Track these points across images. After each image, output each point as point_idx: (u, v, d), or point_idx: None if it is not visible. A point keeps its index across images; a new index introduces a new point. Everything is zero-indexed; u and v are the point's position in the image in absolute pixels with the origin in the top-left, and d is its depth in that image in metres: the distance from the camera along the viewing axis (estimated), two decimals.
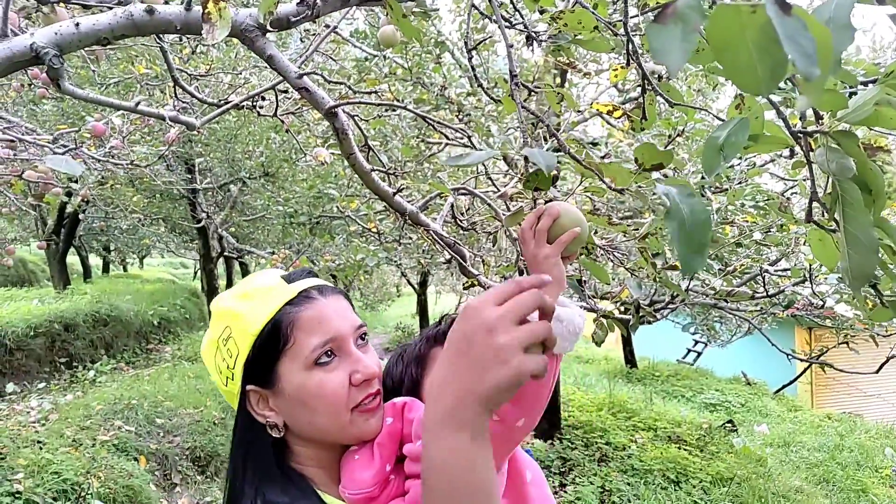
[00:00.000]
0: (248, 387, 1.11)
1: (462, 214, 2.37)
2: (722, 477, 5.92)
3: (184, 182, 8.95)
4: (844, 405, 11.41)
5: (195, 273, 26.80)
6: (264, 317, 1.09)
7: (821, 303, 3.78)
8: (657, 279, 1.98)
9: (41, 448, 4.69)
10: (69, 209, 11.35)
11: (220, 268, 16.61)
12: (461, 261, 1.92)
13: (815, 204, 0.96)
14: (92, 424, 5.72)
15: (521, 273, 2.34)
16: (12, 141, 4.09)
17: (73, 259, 18.16)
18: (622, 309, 2.87)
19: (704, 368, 13.03)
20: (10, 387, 6.74)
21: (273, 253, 8.30)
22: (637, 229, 1.85)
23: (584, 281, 2.55)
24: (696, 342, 13.45)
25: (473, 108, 3.36)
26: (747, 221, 3.85)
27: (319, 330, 1.11)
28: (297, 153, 7.87)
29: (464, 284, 2.11)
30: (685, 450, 6.54)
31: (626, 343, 12.59)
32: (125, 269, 25.49)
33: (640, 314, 2.49)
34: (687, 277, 5.38)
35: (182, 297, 12.65)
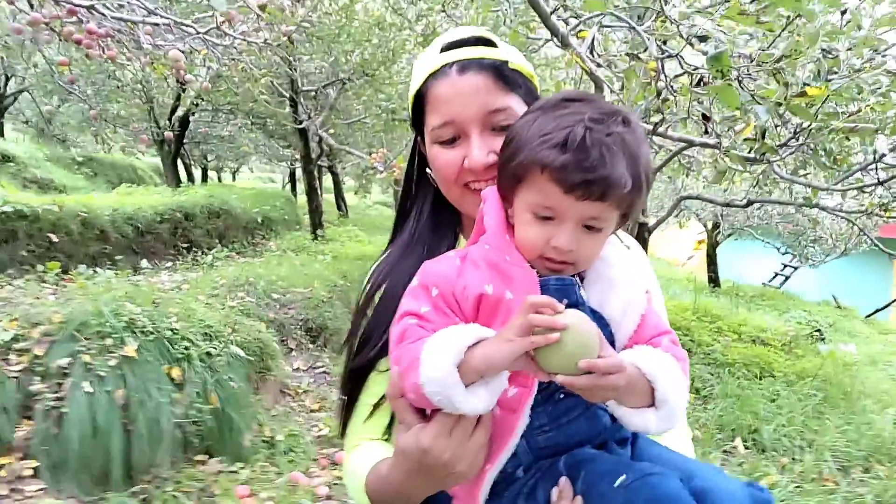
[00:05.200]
0: (418, 137, 1.35)
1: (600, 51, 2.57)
2: (806, 374, 6.06)
3: (286, 86, 9.36)
4: None
5: (283, 185, 27.82)
6: (415, 86, 1.24)
7: None
8: (787, 107, 2.13)
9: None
10: (180, 111, 12.08)
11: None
12: (598, 89, 2.15)
13: None
14: (219, 293, 6.33)
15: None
16: (157, 24, 4.50)
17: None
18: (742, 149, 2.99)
19: (792, 292, 12.83)
20: (143, 263, 7.51)
21: (371, 153, 8.70)
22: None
23: (709, 116, 2.69)
24: (785, 266, 13.18)
25: None
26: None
27: (440, 110, 1.19)
28: (397, 54, 8.11)
29: None
30: (770, 350, 6.68)
31: (711, 262, 12.51)
32: (220, 181, 26.75)
33: (762, 151, 2.62)
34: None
35: (280, 200, 13.38)
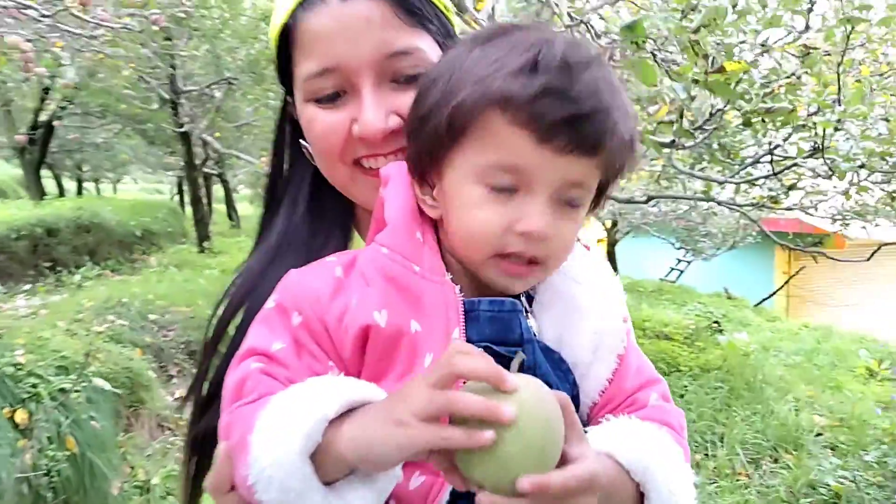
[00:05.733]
0: (288, 98, 0.97)
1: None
2: (710, 366, 6.12)
3: (165, 86, 8.61)
4: (818, 318, 11.78)
5: (171, 196, 26.32)
6: (278, 20, 0.88)
7: (829, 171, 3.74)
8: (705, 83, 1.92)
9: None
10: (43, 116, 10.94)
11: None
12: None
13: None
14: (85, 318, 5.65)
15: None
16: None
17: (46, 182, 17.72)
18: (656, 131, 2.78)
19: (686, 286, 13.29)
20: None
21: (263, 157, 8.12)
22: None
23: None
24: (680, 260, 13.64)
25: None
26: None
27: (316, 52, 0.83)
28: None
29: None
30: (674, 344, 6.72)
31: (611, 259, 12.74)
32: (98, 193, 24.88)
33: (679, 135, 2.42)
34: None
35: (163, 211, 12.45)
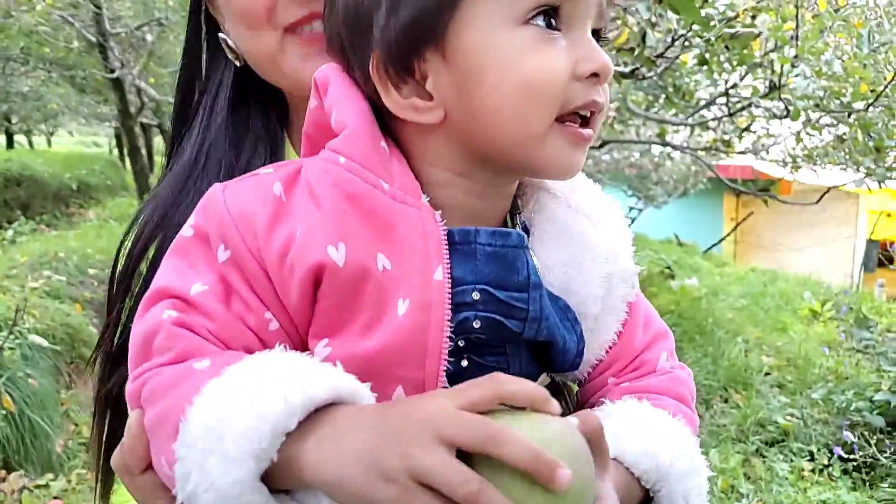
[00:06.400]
0: None
1: None
2: (663, 310, 6.20)
3: (91, 28, 8.02)
4: (765, 263, 12.15)
5: (111, 150, 25.17)
6: None
7: (785, 111, 3.71)
8: (669, 3, 1.81)
9: None
10: None
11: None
12: None
13: None
14: (18, 273, 5.35)
15: None
16: None
17: None
18: (622, 62, 2.68)
19: (639, 233, 13.51)
20: None
21: None
22: None
23: None
24: (632, 208, 13.83)
25: None
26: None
27: None
28: None
29: None
30: None
31: None
32: (31, 146, 23.63)
33: (639, 64, 2.32)
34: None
35: (100, 163, 11.89)
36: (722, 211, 13.15)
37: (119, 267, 0.82)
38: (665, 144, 5.78)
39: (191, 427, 0.49)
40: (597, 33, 0.60)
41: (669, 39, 2.41)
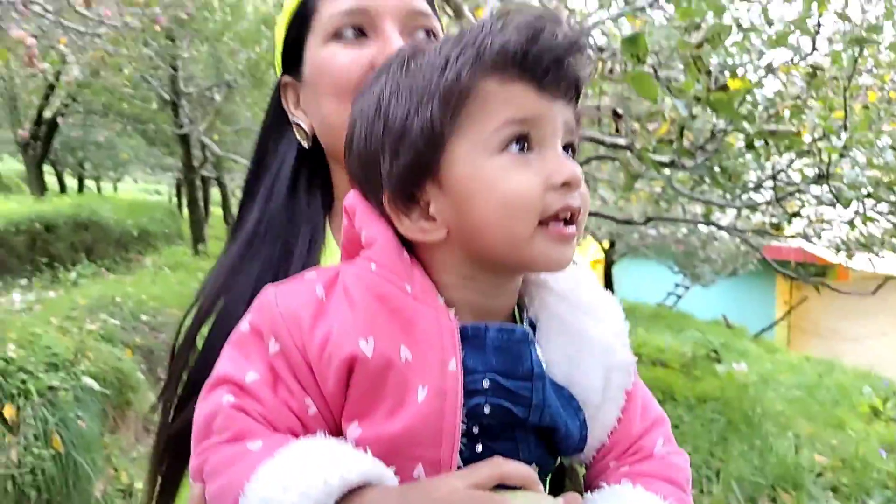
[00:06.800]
0: (284, 78, 0.96)
1: None
2: (707, 397, 6.02)
3: (166, 87, 8.61)
4: (820, 351, 11.70)
5: (170, 198, 26.28)
6: None
7: (834, 199, 3.68)
8: (707, 101, 1.88)
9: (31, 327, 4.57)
10: (47, 113, 10.93)
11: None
12: None
13: None
14: (78, 315, 5.58)
15: None
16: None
17: (48, 178, 17.69)
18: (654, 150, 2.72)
19: (685, 311, 13.23)
20: None
21: None
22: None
23: (620, 114, 2.41)
24: (678, 285, 13.59)
25: None
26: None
27: None
28: None
29: None
30: (670, 372, 6.64)
31: (608, 282, 12.69)
32: (99, 191, 24.86)
33: (677, 156, 2.38)
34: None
35: (160, 211, 12.43)
36: (774, 293, 12.80)
37: (179, 339, 0.93)
38: (710, 224, 5.74)
39: (248, 502, 0.58)
40: (571, 145, 0.70)
41: (709, 133, 2.48)
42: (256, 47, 7.11)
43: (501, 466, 0.60)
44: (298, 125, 0.94)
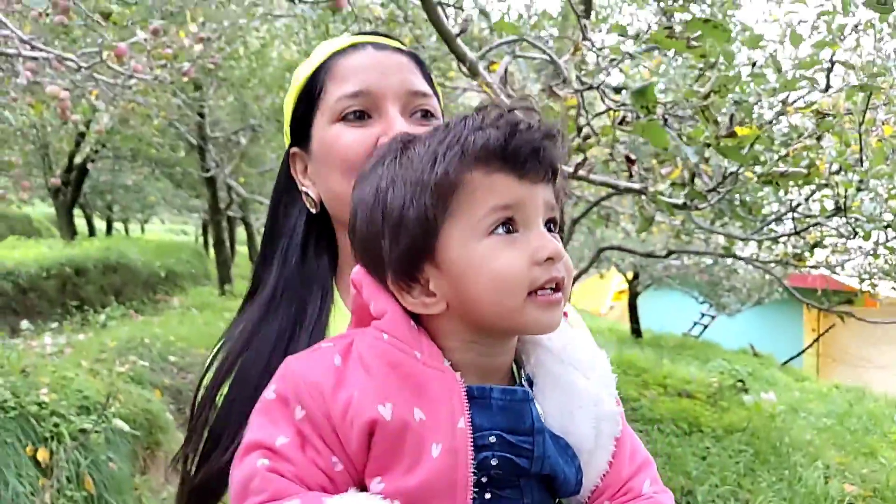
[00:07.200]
0: (293, 149, 1.03)
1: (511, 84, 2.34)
2: (734, 428, 5.95)
3: (193, 132, 8.88)
4: (849, 379, 11.46)
5: (196, 238, 26.73)
6: (308, 69, 0.99)
7: (853, 231, 3.68)
8: (717, 147, 1.94)
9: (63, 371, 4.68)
10: (78, 159, 11.28)
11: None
12: None
13: None
14: (107, 358, 5.70)
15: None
16: (36, 59, 4.00)
17: (78, 221, 18.16)
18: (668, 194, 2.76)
19: (712, 341, 13.06)
20: (24, 324, 6.73)
21: None
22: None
23: (633, 160, 2.48)
24: (703, 315, 13.45)
25: None
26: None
27: (352, 80, 0.94)
28: None
29: None
30: (697, 403, 6.58)
31: (632, 312, 12.60)
32: (127, 233, 25.39)
33: (692, 197, 2.43)
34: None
35: (187, 252, 12.66)
36: (801, 321, 12.61)
37: (202, 384, 0.98)
38: (731, 256, 5.74)
39: None
40: (553, 220, 0.78)
41: (721, 176, 2.53)
42: (281, 92, 7.30)
43: None
44: (307, 193, 1.01)
